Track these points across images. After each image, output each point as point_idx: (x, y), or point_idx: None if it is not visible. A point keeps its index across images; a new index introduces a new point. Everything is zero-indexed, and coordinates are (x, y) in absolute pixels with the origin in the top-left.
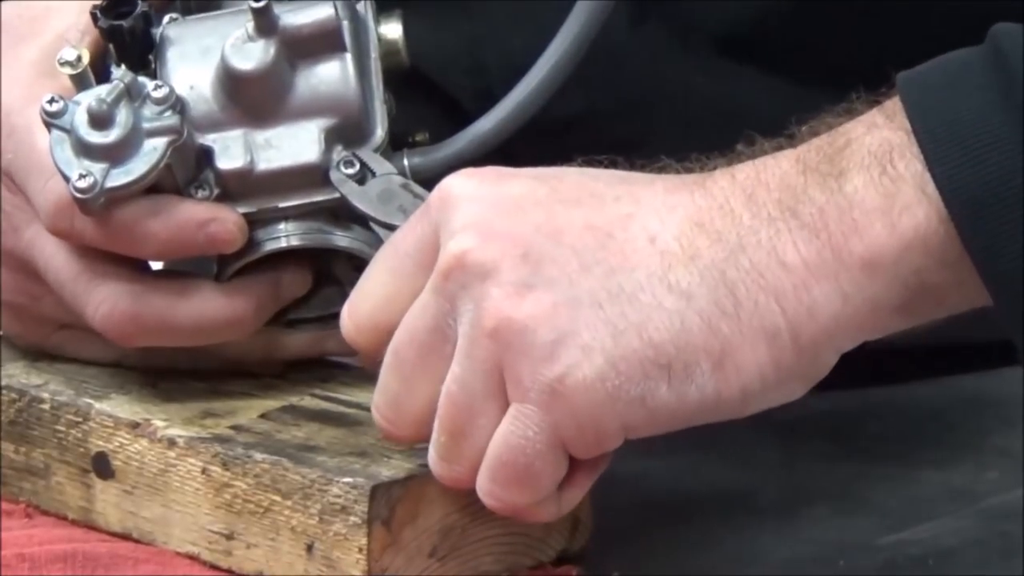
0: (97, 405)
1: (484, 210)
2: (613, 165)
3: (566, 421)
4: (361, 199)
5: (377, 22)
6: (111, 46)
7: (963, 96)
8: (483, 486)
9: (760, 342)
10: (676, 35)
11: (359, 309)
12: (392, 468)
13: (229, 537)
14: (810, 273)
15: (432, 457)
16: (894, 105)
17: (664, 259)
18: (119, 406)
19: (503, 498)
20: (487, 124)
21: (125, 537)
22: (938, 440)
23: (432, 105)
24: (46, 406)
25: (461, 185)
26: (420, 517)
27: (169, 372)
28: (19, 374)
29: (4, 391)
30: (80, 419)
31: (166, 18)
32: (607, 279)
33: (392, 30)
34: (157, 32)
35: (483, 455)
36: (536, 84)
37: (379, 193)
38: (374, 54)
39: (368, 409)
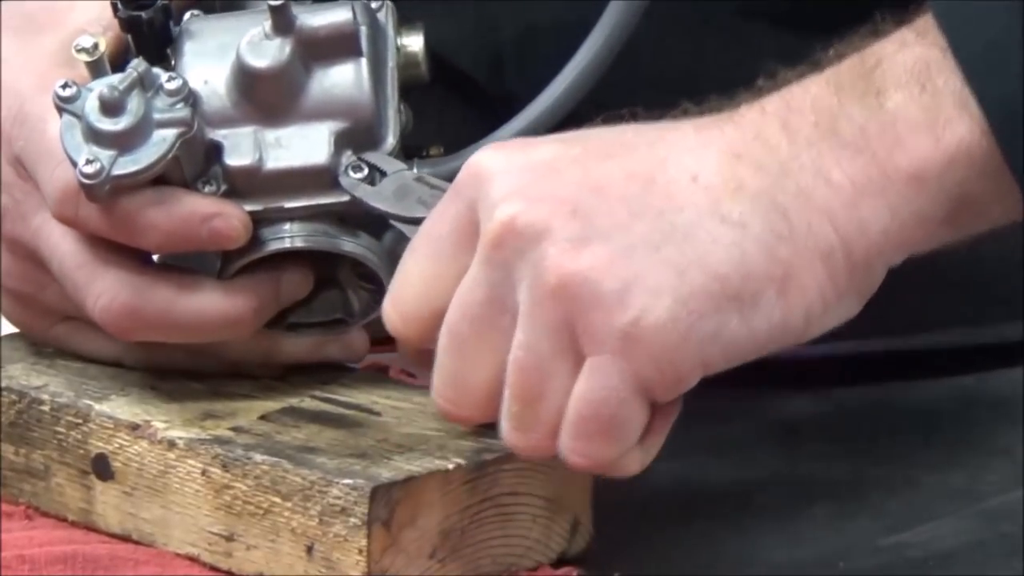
0: (97, 407)
1: (521, 177)
2: (634, 117)
3: (646, 365)
4: (377, 199)
5: (399, 32)
6: (130, 38)
7: (997, 11)
8: (568, 445)
9: (817, 262)
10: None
11: (402, 300)
12: (392, 470)
13: (229, 539)
14: (857, 191)
15: (505, 429)
16: (924, 23)
17: (710, 194)
18: (119, 408)
19: (590, 454)
20: (502, 136)
21: (125, 539)
22: (938, 441)
23: (451, 90)
24: (46, 408)
25: (490, 159)
26: (420, 519)
27: (169, 374)
28: (19, 376)
29: (4, 393)
30: (80, 421)
31: (187, 14)
32: (659, 222)
33: (414, 42)
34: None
35: (560, 417)
36: (558, 95)
37: (394, 191)
38: (391, 63)
39: (368, 411)
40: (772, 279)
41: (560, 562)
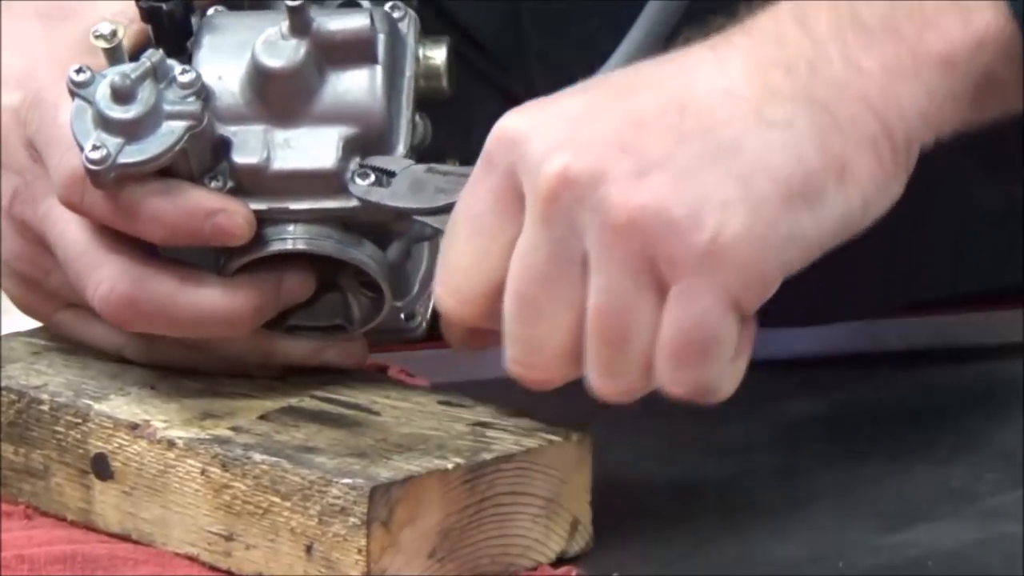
0: (96, 406)
1: (557, 130)
2: None
3: (733, 279)
4: (394, 199)
5: (422, 44)
6: (150, 30)
7: None
8: (668, 377)
9: (865, 149)
10: None
11: (455, 283)
12: (391, 469)
13: (228, 538)
14: (890, 75)
15: (594, 379)
16: None
17: (747, 104)
18: (118, 407)
19: (692, 379)
20: None
21: (124, 538)
22: (937, 441)
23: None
24: (45, 407)
25: (518, 121)
26: (419, 518)
27: (168, 373)
28: (18, 375)
29: (3, 392)
30: (79, 420)
31: (212, 9)
32: (707, 141)
33: (437, 54)
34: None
35: (650, 355)
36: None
37: (409, 186)
38: (408, 72)
39: (367, 410)
40: (830, 172)
41: (559, 562)
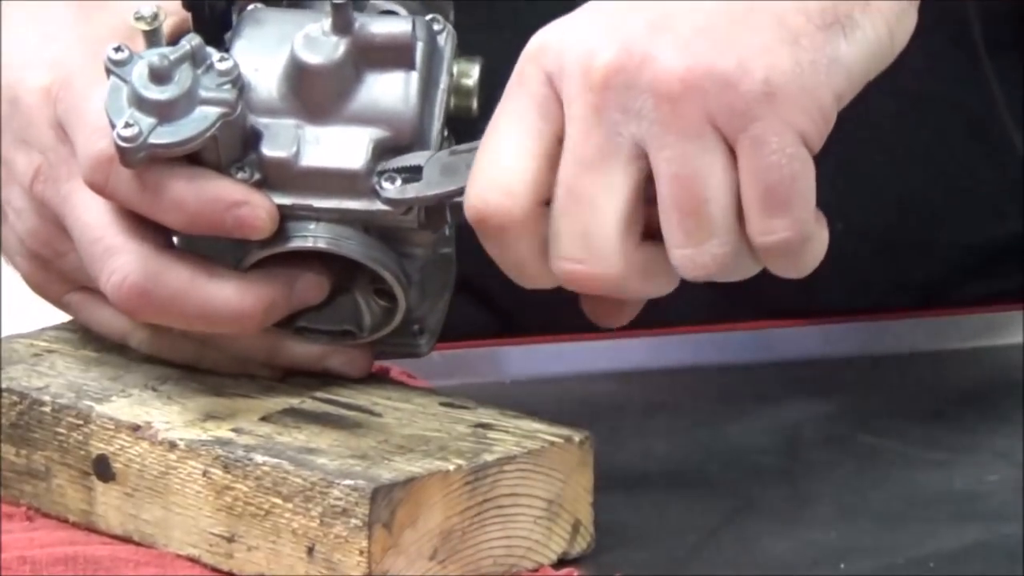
0: (98, 408)
1: (592, 31)
2: None
3: (795, 114)
4: (430, 188)
5: (457, 62)
6: (190, 19)
7: None
8: (760, 228)
9: None
10: None
11: (500, 181)
12: (393, 471)
13: (230, 540)
14: None
15: (681, 256)
16: None
17: None
18: (120, 409)
19: (785, 225)
20: None
21: (126, 540)
22: (939, 442)
23: None
24: (47, 409)
25: (546, 36)
26: (421, 520)
27: (170, 376)
28: (20, 377)
29: (5, 394)
30: (81, 422)
31: (251, 5)
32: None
33: (470, 73)
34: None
35: (735, 212)
36: None
37: (440, 172)
38: (443, 85)
39: (368, 412)
40: (854, 1)
41: (561, 563)
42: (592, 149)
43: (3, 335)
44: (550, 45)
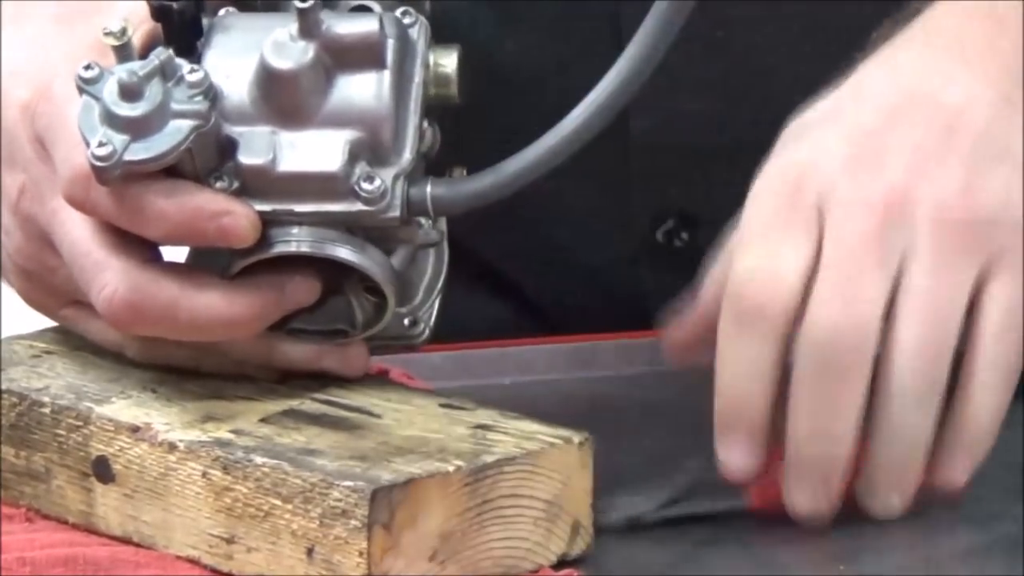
0: (98, 409)
1: (849, 155)
2: None
3: None
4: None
5: (433, 51)
6: (160, 28)
7: None
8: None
9: None
10: None
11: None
12: (392, 472)
13: (230, 541)
14: None
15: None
16: None
17: (995, 93)
18: (120, 410)
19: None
20: (517, 164)
21: (126, 541)
22: None
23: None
24: (47, 410)
25: (796, 156)
26: (420, 521)
27: (169, 377)
28: (20, 378)
29: (5, 395)
30: (81, 423)
31: (222, 10)
32: (984, 141)
33: (447, 62)
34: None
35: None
36: (573, 128)
37: None
38: (417, 79)
39: (368, 413)
40: None
41: (560, 564)
42: (868, 286)
43: (3, 336)
44: (806, 168)
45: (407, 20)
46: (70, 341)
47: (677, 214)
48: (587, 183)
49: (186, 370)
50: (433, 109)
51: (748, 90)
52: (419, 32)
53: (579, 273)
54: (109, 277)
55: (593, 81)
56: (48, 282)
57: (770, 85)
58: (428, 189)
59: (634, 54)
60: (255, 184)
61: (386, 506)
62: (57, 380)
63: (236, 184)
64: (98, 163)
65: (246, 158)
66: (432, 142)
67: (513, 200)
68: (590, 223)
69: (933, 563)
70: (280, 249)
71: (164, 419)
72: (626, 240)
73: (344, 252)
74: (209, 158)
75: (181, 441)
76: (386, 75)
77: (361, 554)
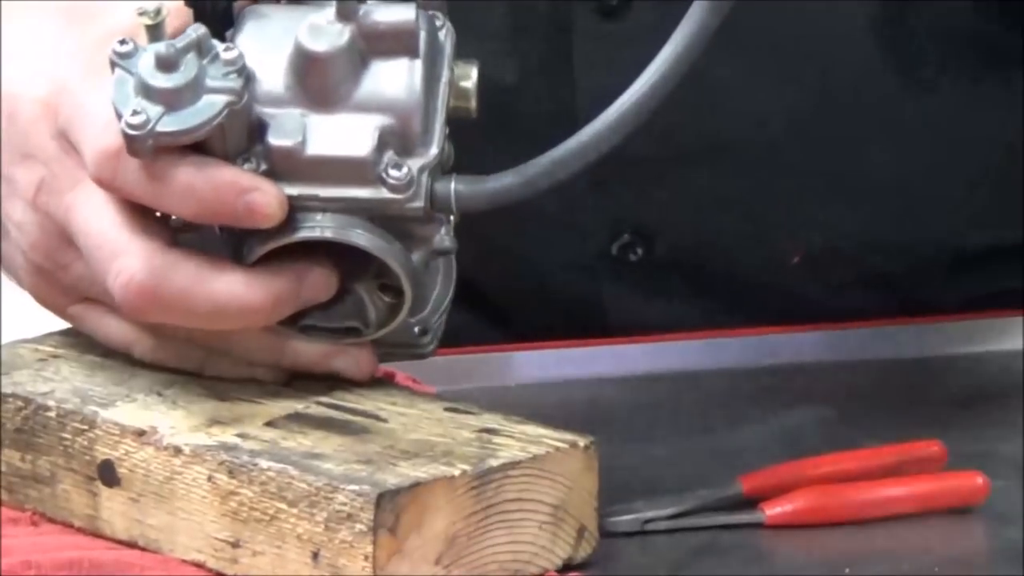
0: (103, 413)
1: None
2: None
3: None
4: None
5: (455, 63)
6: (192, 16)
7: None
8: None
9: None
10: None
11: None
12: (398, 476)
13: (235, 545)
14: None
15: None
16: None
17: None
18: (125, 414)
19: None
20: (541, 164)
21: (131, 545)
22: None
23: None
24: (52, 414)
25: None
26: (426, 525)
27: (175, 380)
28: (25, 382)
29: (10, 399)
30: (86, 427)
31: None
32: None
33: (467, 75)
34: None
35: None
36: (597, 132)
37: None
38: (444, 79)
39: (374, 417)
40: None
41: (565, 569)
42: None
43: (5, 340)
44: None
45: (437, 22)
46: (76, 345)
47: (633, 228)
48: (545, 196)
49: (192, 374)
50: (451, 121)
51: (699, 104)
52: (446, 36)
53: (540, 284)
54: (127, 261)
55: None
56: (60, 278)
57: (720, 99)
58: (452, 185)
59: (665, 59)
60: (283, 167)
61: (391, 510)
62: (63, 384)
63: (264, 166)
64: (132, 131)
65: (276, 139)
66: (448, 156)
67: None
68: (549, 235)
69: (941, 566)
70: (304, 234)
71: (169, 423)
72: (584, 253)
73: (367, 240)
74: (239, 138)
75: (186, 445)
76: (418, 64)
77: (366, 558)
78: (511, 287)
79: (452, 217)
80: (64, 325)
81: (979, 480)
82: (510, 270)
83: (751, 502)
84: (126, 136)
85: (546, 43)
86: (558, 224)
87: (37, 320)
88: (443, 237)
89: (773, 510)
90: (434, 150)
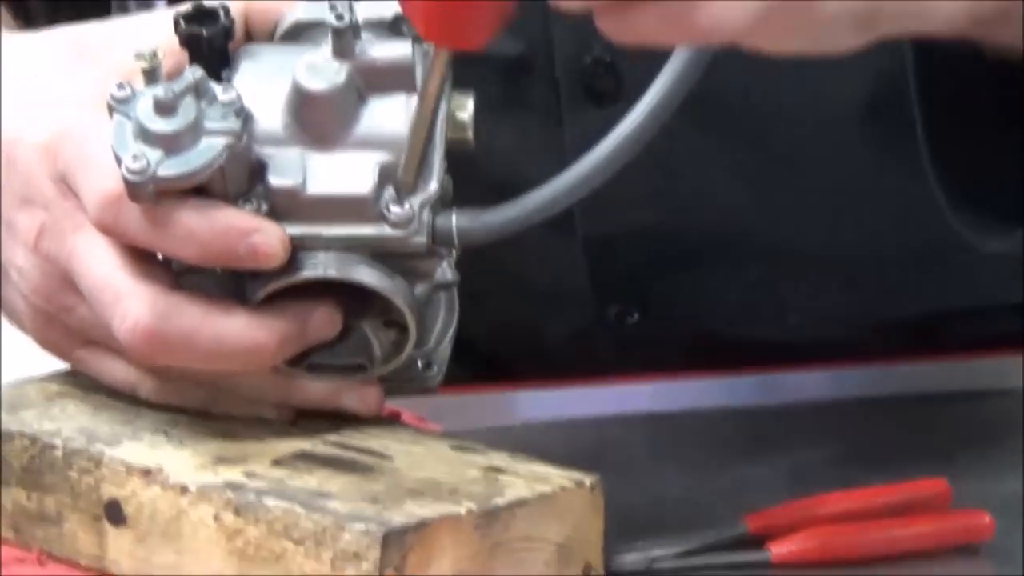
0: (109, 452)
1: None
2: None
3: None
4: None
5: (450, 96)
6: (187, 57)
7: None
8: None
9: None
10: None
11: None
12: (404, 514)
13: None
14: None
15: None
16: None
17: None
18: (131, 453)
19: None
20: (539, 197)
21: None
22: (943, 451)
23: None
24: (58, 453)
25: None
26: (432, 563)
27: (181, 419)
28: (32, 420)
29: (17, 437)
30: (92, 466)
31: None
32: None
33: (463, 106)
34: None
35: None
36: (597, 161)
37: None
38: (441, 115)
39: (380, 455)
40: None
41: None
42: None
43: (6, 379)
44: None
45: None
46: (82, 384)
47: (628, 296)
48: (543, 263)
49: (198, 412)
50: (449, 152)
51: (682, 176)
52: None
53: (535, 344)
54: (132, 305)
55: (537, 164)
56: (63, 322)
57: (699, 169)
58: (453, 219)
59: (653, 97)
60: (284, 207)
61: (398, 549)
62: (69, 423)
63: (265, 207)
64: (132, 177)
65: (276, 179)
66: (446, 189)
67: (470, 266)
68: (545, 299)
69: None
70: (308, 273)
71: (176, 462)
72: (579, 316)
73: (371, 277)
74: (239, 179)
75: (193, 484)
76: (415, 100)
77: None
78: (506, 345)
79: (454, 250)
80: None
81: (985, 519)
82: (505, 330)
83: (757, 541)
84: (127, 182)
85: (539, 126)
86: (552, 289)
87: (38, 360)
88: (445, 270)
89: (779, 549)
90: (434, 185)
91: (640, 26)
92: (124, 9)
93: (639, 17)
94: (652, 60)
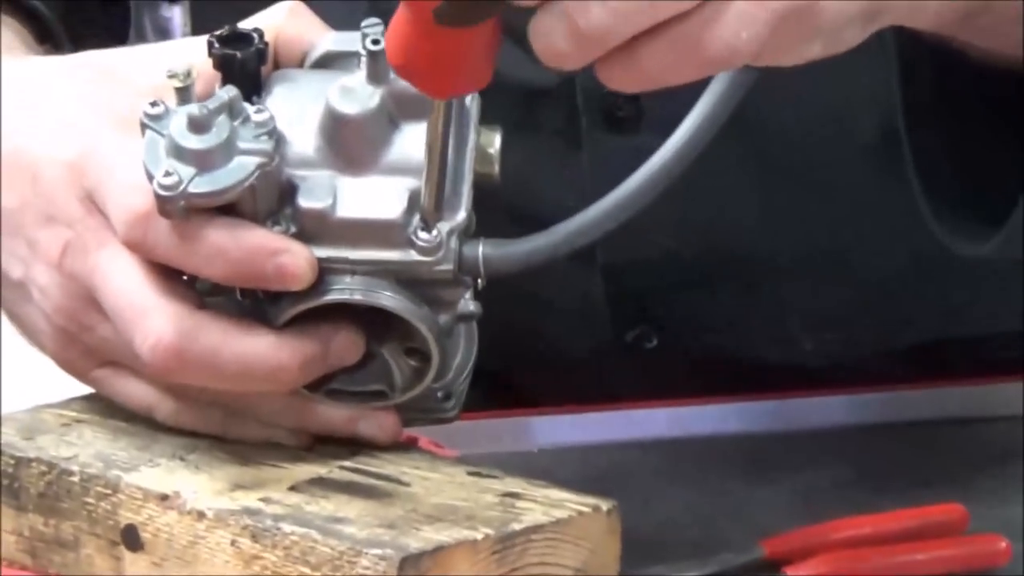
0: (126, 477)
1: None
2: None
3: None
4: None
5: (478, 131)
6: (218, 78)
7: None
8: None
9: None
10: None
11: None
12: (421, 540)
13: None
14: None
15: None
16: None
17: None
18: (148, 478)
19: None
20: (568, 227)
21: None
22: (954, 476)
23: None
24: (75, 478)
25: None
26: None
27: (198, 445)
28: (49, 446)
29: (34, 463)
30: (109, 491)
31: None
32: None
33: (491, 142)
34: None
35: None
36: (628, 194)
37: None
38: (470, 144)
39: (397, 481)
40: None
41: None
42: None
43: (7, 407)
44: None
45: None
46: (99, 410)
47: (647, 319)
48: (563, 288)
49: (214, 438)
50: (475, 185)
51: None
52: (472, 100)
53: (551, 367)
54: (155, 322)
55: (554, 188)
56: (84, 341)
57: (718, 194)
58: (480, 248)
59: (690, 128)
60: (312, 229)
61: (414, 574)
62: (86, 448)
63: (293, 228)
64: (163, 192)
65: (306, 201)
66: (469, 223)
67: (488, 289)
68: (564, 323)
69: None
70: (334, 296)
71: (193, 487)
72: (598, 340)
73: (397, 303)
74: (269, 200)
75: (210, 509)
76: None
77: None
78: (521, 369)
79: (479, 281)
80: (86, 389)
81: (1002, 544)
82: (522, 352)
83: (773, 566)
84: (158, 197)
85: (557, 151)
86: (570, 313)
87: (42, 388)
88: (467, 302)
89: (796, 573)
90: (462, 213)
91: (650, 67)
92: (143, 39)
93: (647, 58)
94: (674, 88)
